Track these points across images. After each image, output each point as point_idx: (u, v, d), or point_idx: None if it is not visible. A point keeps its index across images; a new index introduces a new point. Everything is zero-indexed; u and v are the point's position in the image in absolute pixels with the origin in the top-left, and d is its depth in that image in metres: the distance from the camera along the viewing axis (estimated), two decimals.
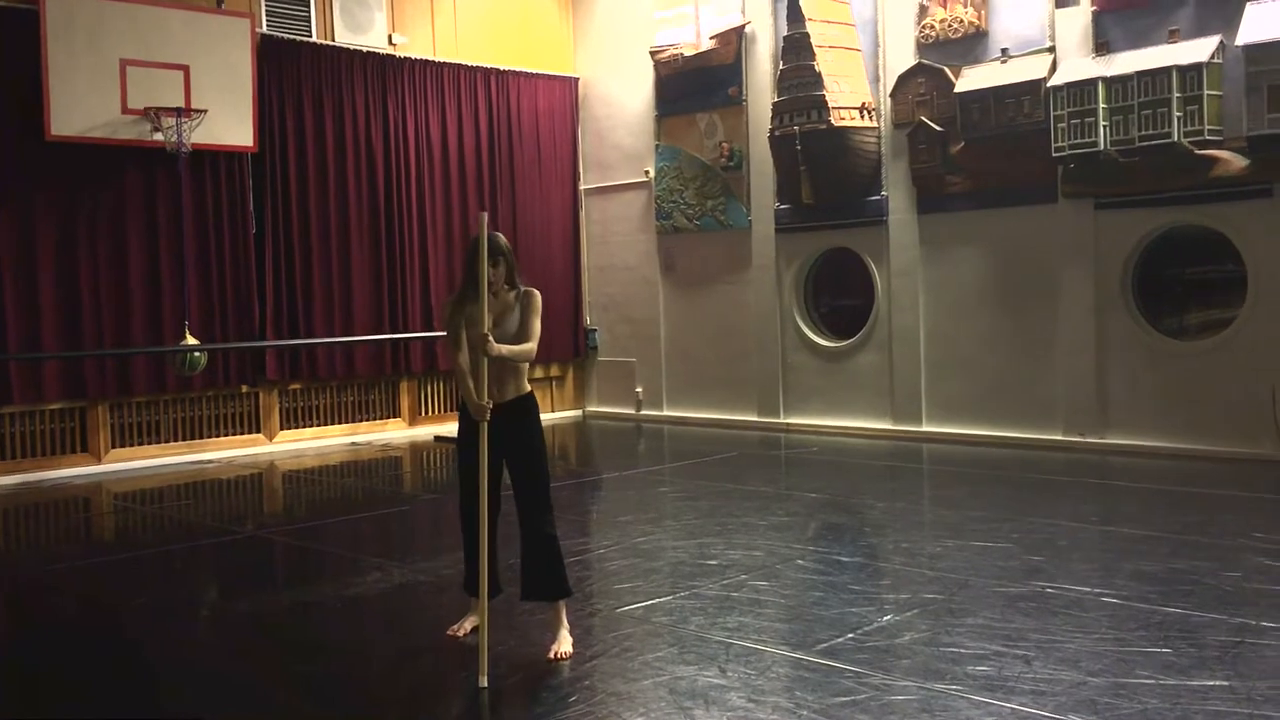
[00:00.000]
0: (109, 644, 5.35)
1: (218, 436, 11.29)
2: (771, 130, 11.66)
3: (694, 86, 12.59)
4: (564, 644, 4.77)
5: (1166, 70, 9.01)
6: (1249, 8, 8.71)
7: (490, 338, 4.61)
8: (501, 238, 4.84)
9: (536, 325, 4.86)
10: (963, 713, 4.00)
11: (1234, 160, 8.92)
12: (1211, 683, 4.22)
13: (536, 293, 4.94)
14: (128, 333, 10.53)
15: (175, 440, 11.02)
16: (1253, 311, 9.08)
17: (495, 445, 4.77)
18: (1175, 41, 9.13)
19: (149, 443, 10.86)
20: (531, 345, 4.82)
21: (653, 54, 12.94)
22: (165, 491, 9.67)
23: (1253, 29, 8.63)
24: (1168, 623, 4.96)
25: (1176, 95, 8.98)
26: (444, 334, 5.02)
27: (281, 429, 11.72)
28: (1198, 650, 4.58)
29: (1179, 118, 8.99)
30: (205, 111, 10.34)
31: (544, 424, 5.06)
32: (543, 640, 4.85)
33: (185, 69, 10.37)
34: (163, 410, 10.96)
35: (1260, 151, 8.75)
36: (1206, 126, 8.91)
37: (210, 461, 10.96)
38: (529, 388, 4.95)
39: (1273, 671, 4.33)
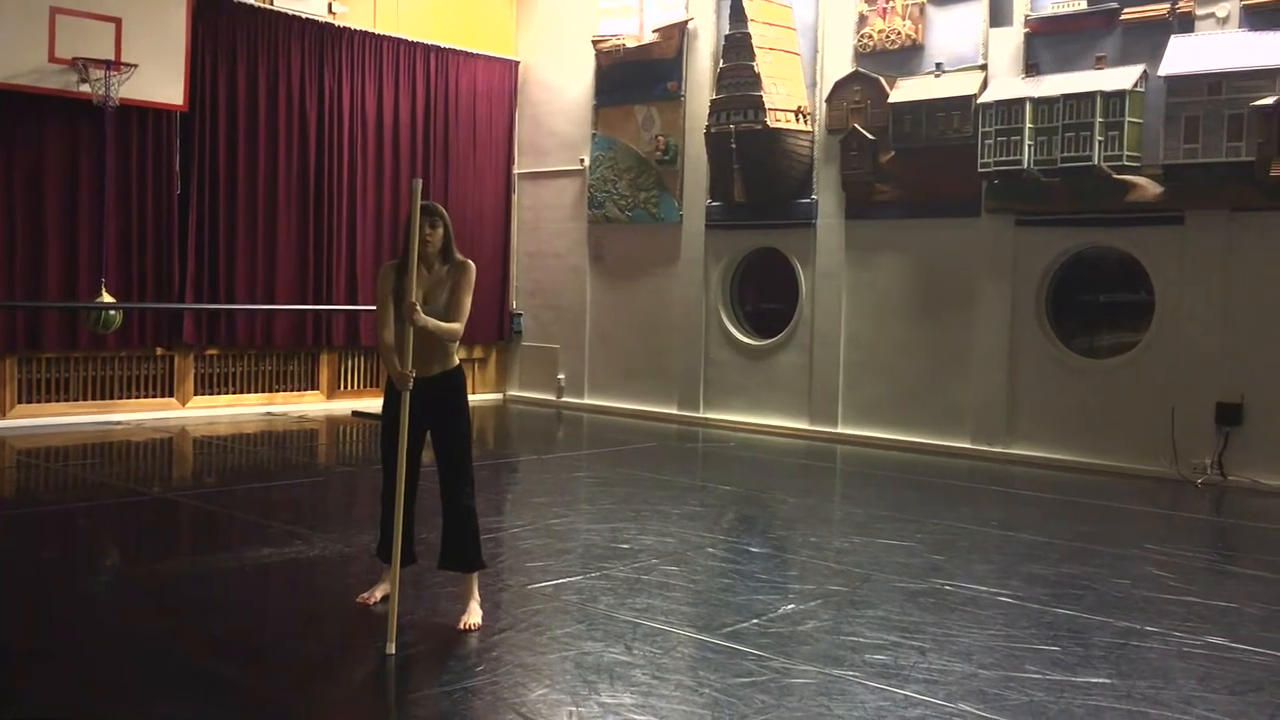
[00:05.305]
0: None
1: (129, 398, 11.08)
2: (708, 127, 11.76)
3: (634, 78, 12.66)
4: (474, 615, 4.81)
5: (1091, 95, 9.28)
6: (1173, 40, 9.02)
7: (417, 306, 4.62)
8: (441, 208, 4.86)
9: (466, 302, 4.83)
10: (858, 697, 4.12)
11: (1150, 187, 9.24)
12: (1095, 679, 4.40)
13: (471, 265, 4.91)
14: (41, 287, 10.28)
15: (85, 399, 10.80)
16: (1158, 334, 9.41)
17: (421, 419, 4.77)
18: (1101, 68, 9.41)
19: (57, 400, 10.63)
20: (458, 326, 4.80)
21: (595, 43, 12.97)
22: (71, 450, 9.47)
23: (1175, 61, 8.94)
24: (1058, 623, 5.15)
25: (1099, 120, 9.26)
26: (369, 308, 4.99)
27: (195, 394, 11.54)
28: (1084, 649, 4.77)
29: (1100, 142, 9.27)
30: (135, 66, 10.14)
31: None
32: (452, 611, 4.88)
33: (117, 21, 10.16)
34: (73, 368, 10.73)
35: (1174, 180, 9.07)
36: (1126, 152, 9.21)
37: (120, 423, 10.75)
38: (457, 362, 4.95)
39: (1153, 672, 4.52)
